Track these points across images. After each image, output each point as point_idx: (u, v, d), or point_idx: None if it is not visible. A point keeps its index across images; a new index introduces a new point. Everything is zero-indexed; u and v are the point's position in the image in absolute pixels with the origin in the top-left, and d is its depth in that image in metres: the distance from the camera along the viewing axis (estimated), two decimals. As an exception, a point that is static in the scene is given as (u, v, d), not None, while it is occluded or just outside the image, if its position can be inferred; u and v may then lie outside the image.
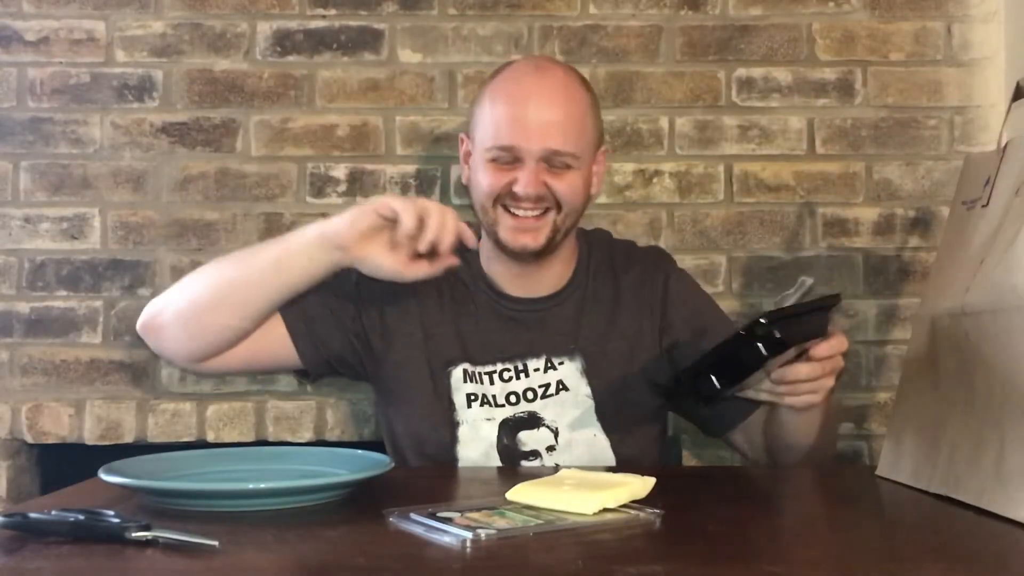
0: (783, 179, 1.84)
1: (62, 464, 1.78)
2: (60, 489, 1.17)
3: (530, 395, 1.44)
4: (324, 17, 1.82)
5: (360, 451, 1.20)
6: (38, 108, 1.80)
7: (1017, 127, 1.25)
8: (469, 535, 0.85)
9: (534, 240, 1.41)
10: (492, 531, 0.86)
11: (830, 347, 1.18)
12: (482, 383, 1.44)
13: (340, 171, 1.82)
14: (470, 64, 1.82)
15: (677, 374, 1.20)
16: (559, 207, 1.41)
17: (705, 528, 0.96)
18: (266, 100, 1.82)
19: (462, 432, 1.43)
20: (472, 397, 1.44)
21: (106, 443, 1.77)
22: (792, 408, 1.25)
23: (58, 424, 1.77)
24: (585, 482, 1.02)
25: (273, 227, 1.80)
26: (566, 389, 1.44)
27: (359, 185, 1.81)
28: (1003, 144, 1.15)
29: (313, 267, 1.34)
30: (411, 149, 1.82)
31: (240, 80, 1.82)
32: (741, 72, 1.84)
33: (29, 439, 1.77)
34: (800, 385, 1.20)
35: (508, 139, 1.39)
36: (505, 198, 1.41)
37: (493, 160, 1.40)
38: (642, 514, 0.95)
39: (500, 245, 1.44)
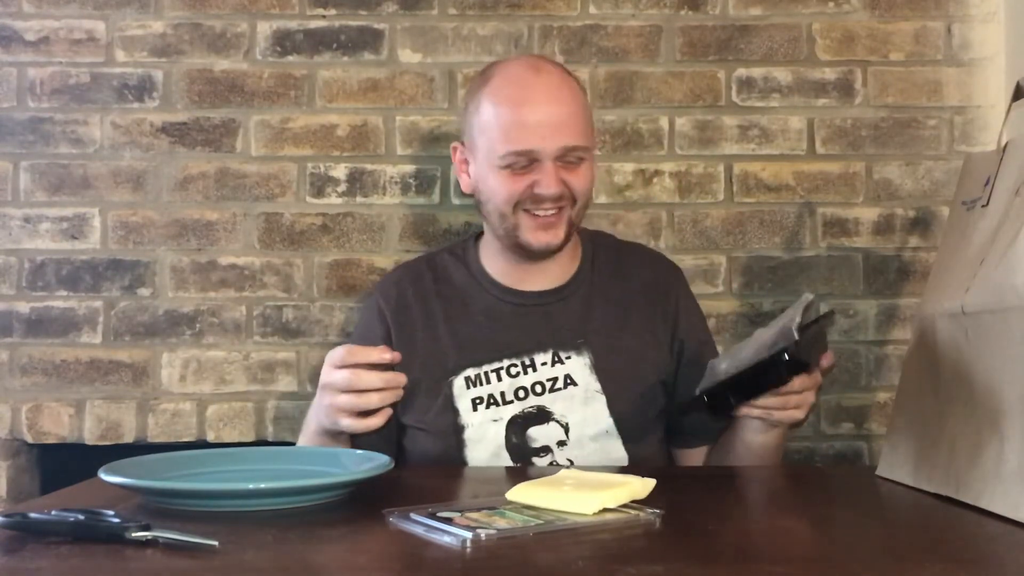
0: (783, 179, 1.84)
1: (62, 464, 1.78)
2: (60, 489, 1.17)
3: (538, 389, 1.44)
4: (324, 17, 1.82)
5: (360, 451, 1.20)
6: (38, 108, 1.80)
7: (1017, 127, 1.25)
8: (469, 535, 0.85)
9: (555, 237, 1.43)
10: (492, 531, 0.86)
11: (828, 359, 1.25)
12: (488, 383, 1.45)
13: (340, 171, 1.82)
14: (470, 64, 1.82)
15: (702, 391, 1.22)
16: (574, 202, 1.43)
17: (705, 528, 0.96)
18: (266, 100, 1.82)
19: (468, 435, 1.43)
20: (478, 401, 1.44)
21: (106, 443, 1.77)
22: (777, 423, 1.30)
23: (58, 424, 1.77)
24: (585, 482, 1.02)
25: (273, 227, 1.80)
26: (574, 384, 1.45)
27: (359, 185, 1.81)
28: (1003, 144, 1.15)
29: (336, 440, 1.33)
30: (411, 149, 1.82)
31: (240, 80, 1.82)
32: (741, 72, 1.84)
33: (29, 439, 1.77)
34: (791, 398, 1.24)
35: (523, 143, 1.38)
36: (526, 202, 1.41)
37: (508, 167, 1.40)
38: (642, 514, 0.95)
39: (520, 246, 1.45)
